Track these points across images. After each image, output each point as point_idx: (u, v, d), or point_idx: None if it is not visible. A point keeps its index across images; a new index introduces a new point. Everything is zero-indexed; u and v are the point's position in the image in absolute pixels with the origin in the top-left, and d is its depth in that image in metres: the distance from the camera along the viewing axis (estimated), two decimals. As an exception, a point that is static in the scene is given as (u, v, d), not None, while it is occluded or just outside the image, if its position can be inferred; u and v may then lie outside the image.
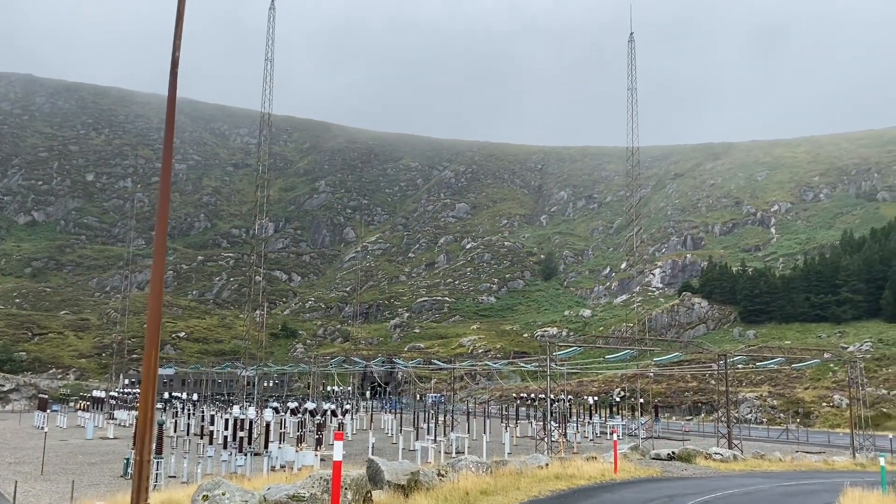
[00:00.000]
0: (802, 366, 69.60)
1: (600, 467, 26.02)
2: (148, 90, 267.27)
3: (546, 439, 40.27)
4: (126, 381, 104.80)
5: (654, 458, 31.52)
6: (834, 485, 23.20)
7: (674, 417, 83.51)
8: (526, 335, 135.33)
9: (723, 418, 50.66)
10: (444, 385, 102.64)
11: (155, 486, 27.00)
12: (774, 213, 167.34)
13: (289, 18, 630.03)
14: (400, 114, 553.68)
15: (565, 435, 47.39)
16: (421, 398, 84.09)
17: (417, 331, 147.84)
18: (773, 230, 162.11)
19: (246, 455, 34.31)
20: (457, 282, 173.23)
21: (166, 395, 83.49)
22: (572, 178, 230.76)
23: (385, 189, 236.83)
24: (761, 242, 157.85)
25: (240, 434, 37.03)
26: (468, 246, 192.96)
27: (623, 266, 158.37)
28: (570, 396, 74.04)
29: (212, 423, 51.49)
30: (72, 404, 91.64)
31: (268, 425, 39.17)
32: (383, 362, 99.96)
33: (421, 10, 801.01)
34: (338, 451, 11.49)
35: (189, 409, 67.41)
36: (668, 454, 31.95)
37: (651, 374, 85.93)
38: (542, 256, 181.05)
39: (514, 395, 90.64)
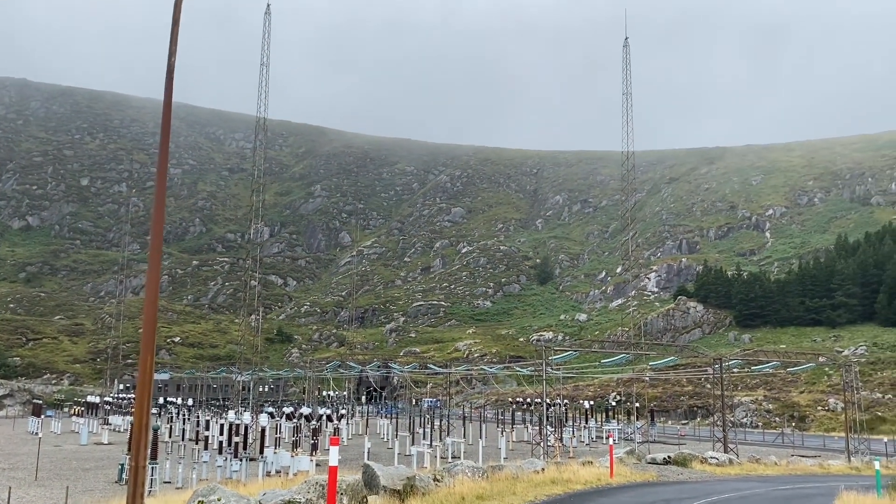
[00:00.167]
0: (798, 370, 69.66)
1: (596, 472, 26.02)
2: (143, 94, 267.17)
3: (542, 444, 40.24)
4: (121, 387, 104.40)
5: (650, 463, 31.53)
6: (829, 488, 23.25)
7: (669, 421, 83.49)
8: (522, 339, 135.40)
9: (718, 422, 50.72)
10: (440, 390, 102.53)
11: (150, 491, 26.89)
12: (769, 217, 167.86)
13: (284, 23, 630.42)
14: (396, 118, 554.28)
15: (561, 439, 47.37)
16: (417, 403, 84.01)
17: (413, 335, 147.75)
18: (767, 234, 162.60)
19: (241, 460, 34.20)
20: (452, 286, 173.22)
21: (161, 401, 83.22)
22: (568, 183, 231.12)
23: (381, 193, 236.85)
24: (756, 246, 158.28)
25: (235, 439, 36.92)
26: (464, 250, 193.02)
27: (619, 270, 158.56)
28: (565, 401, 74.01)
29: (207, 429, 51.35)
30: (66, 410, 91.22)
31: (263, 430, 39.10)
32: (379, 367, 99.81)
33: (416, 15, 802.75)
34: (334, 457, 11.48)
35: (184, 415, 67.16)
36: (664, 458, 31.96)
37: (647, 379, 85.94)
38: (537, 260, 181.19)
39: (509, 399, 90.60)
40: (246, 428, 37.97)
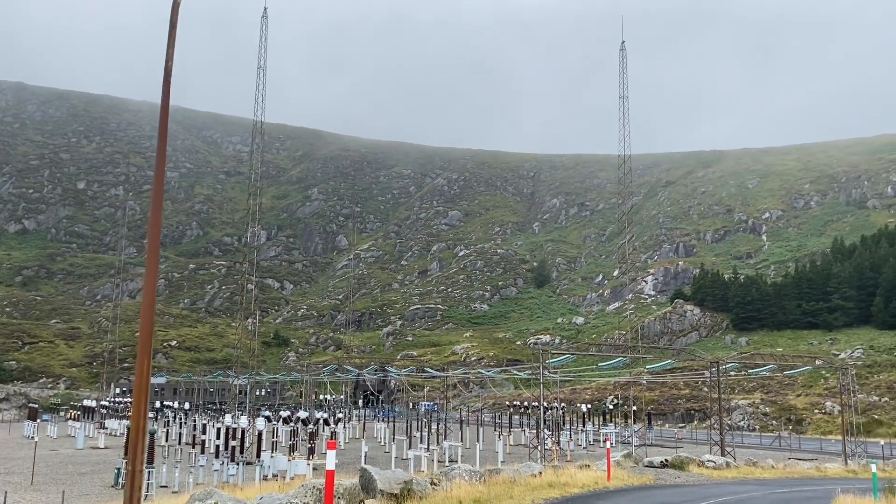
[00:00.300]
0: (794, 373, 69.77)
1: (593, 475, 26.01)
2: (140, 98, 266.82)
3: (539, 447, 40.22)
4: (117, 391, 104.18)
5: (647, 466, 31.53)
6: (826, 492, 23.26)
7: (667, 425, 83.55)
8: (519, 343, 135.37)
9: (715, 425, 50.76)
10: (437, 393, 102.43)
11: (146, 495, 26.81)
12: (765, 220, 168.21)
13: (281, 27, 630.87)
14: (393, 122, 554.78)
15: (558, 443, 47.36)
16: (414, 406, 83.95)
17: (410, 339, 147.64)
18: (764, 237, 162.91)
19: (238, 464, 34.13)
20: (449, 289, 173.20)
21: (158, 404, 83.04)
22: (565, 186, 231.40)
23: (378, 197, 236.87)
24: (753, 250, 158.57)
25: (232, 443, 36.83)
26: (461, 253, 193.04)
27: (615, 273, 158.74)
28: (563, 404, 74.01)
29: (203, 432, 51.22)
30: (62, 414, 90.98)
31: (260, 434, 39.00)
32: (376, 371, 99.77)
33: (413, 19, 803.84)
34: (330, 461, 11.46)
35: (181, 418, 67.03)
36: (661, 462, 31.96)
37: (644, 382, 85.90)
38: (534, 264, 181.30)
39: (507, 403, 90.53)
40: (243, 432, 37.92)
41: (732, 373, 69.01)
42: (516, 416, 77.36)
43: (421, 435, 53.22)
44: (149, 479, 28.93)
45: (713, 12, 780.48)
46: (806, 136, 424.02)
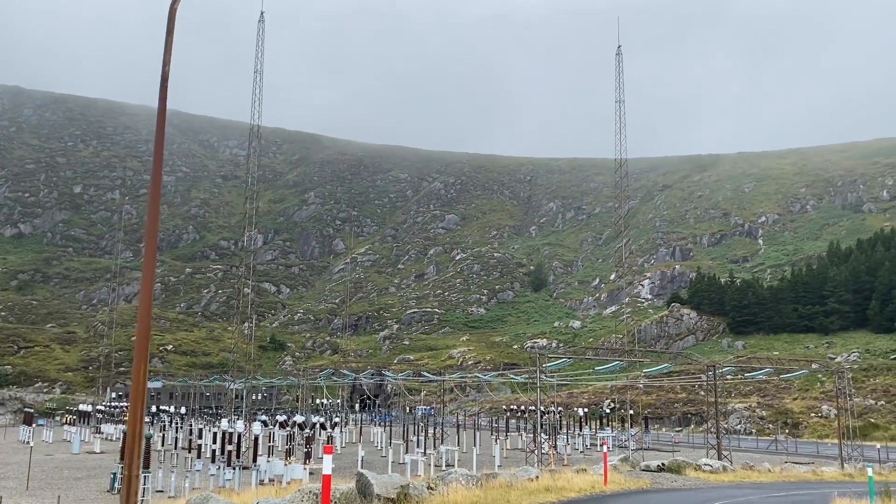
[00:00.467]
0: (791, 376, 69.89)
1: (590, 479, 26.00)
2: (136, 102, 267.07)
3: (536, 451, 40.20)
4: (113, 395, 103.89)
5: (643, 470, 31.53)
6: (822, 495, 23.30)
7: (663, 429, 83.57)
8: (516, 347, 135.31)
9: (712, 429, 50.78)
10: (434, 397, 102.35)
11: (142, 500, 26.74)
12: (762, 224, 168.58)
13: (278, 31, 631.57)
14: (390, 125, 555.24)
15: (555, 447, 47.32)
16: (410, 411, 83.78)
17: (407, 343, 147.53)
18: (760, 241, 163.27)
19: (234, 469, 34.05)
20: (446, 293, 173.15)
21: (154, 409, 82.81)
22: (561, 190, 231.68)
23: (374, 200, 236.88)
24: (749, 253, 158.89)
25: (228, 448, 36.75)
26: (458, 257, 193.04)
27: (612, 277, 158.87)
28: (559, 408, 73.98)
29: (200, 437, 51.09)
30: (58, 418, 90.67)
31: (256, 439, 38.93)
32: (373, 375, 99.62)
33: (411, 23, 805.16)
34: (327, 465, 11.45)
35: (177, 423, 66.86)
36: (658, 465, 31.96)
37: (640, 386, 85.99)
38: (531, 267, 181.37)
39: (503, 407, 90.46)
40: (239, 436, 37.83)
41: (729, 376, 69.08)
42: (513, 421, 77.31)
43: (418, 439, 53.15)
44: (145, 484, 28.83)
45: (711, 16, 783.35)
46: (802, 140, 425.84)
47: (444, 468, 36.53)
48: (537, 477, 24.71)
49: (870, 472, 22.87)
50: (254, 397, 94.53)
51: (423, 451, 44.66)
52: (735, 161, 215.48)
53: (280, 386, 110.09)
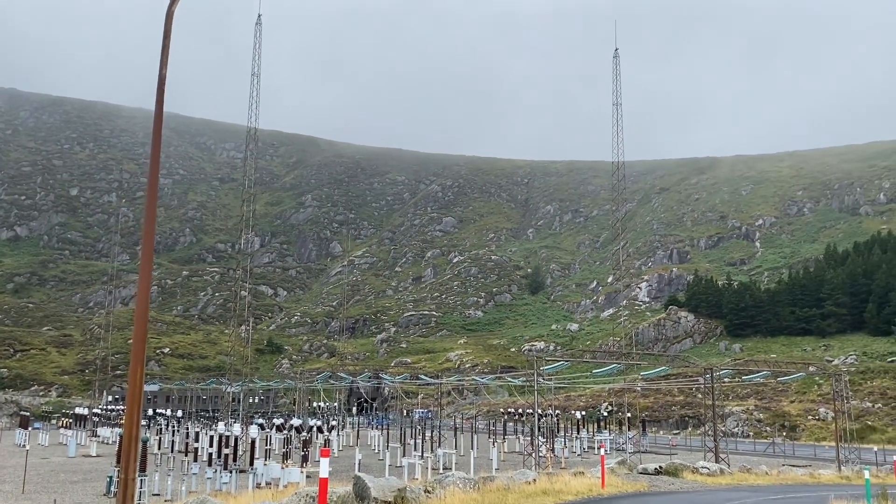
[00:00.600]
0: (788, 379, 69.86)
1: (588, 482, 25.98)
2: (133, 104, 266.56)
3: (534, 454, 40.17)
4: (109, 398, 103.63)
5: (641, 473, 31.50)
6: (819, 498, 23.30)
7: (661, 432, 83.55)
8: (513, 349, 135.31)
9: (709, 432, 50.78)
10: (431, 400, 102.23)
11: (138, 504, 26.64)
12: (759, 227, 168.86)
13: (276, 33, 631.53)
14: (387, 128, 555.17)
15: (553, 450, 47.29)
16: (408, 414, 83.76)
17: (404, 345, 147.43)
18: (757, 244, 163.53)
19: (231, 472, 33.97)
20: (444, 296, 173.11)
21: (150, 412, 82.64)
22: (559, 192, 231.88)
23: (372, 203, 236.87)
24: (746, 256, 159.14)
25: (225, 451, 36.67)
26: (455, 260, 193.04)
27: (610, 280, 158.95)
28: (557, 411, 73.95)
29: (196, 440, 50.99)
30: (54, 422, 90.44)
31: (253, 442, 38.88)
32: (370, 378, 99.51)
33: (408, 26, 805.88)
34: (324, 468, 11.42)
35: (173, 426, 66.70)
36: (656, 468, 31.93)
37: (638, 389, 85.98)
38: (528, 270, 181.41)
39: (501, 410, 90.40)
40: (236, 439, 37.74)
41: (726, 379, 69.11)
42: (511, 424, 77.26)
43: (415, 442, 53.10)
44: (141, 488, 28.75)
45: (709, 19, 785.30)
46: (799, 143, 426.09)
47: (441, 471, 36.48)
48: (534, 480, 24.68)
49: (867, 474, 22.88)
50: (251, 400, 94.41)
51: (420, 454, 44.61)
52: (732, 164, 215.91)
53: (277, 389, 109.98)
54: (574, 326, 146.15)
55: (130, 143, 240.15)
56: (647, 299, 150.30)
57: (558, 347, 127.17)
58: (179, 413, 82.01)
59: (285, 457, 42.97)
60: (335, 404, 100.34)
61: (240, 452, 39.37)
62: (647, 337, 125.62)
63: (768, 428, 75.71)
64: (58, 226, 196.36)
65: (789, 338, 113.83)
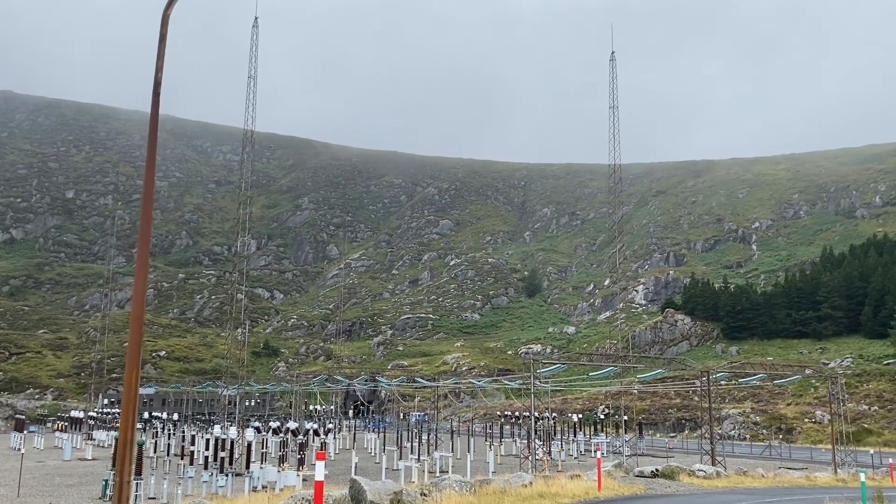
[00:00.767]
0: (784, 382, 69.99)
1: (584, 485, 25.97)
2: (130, 107, 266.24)
3: (530, 457, 40.15)
4: (105, 401, 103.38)
5: (637, 476, 31.51)
6: (815, 501, 23.32)
7: (658, 434, 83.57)
8: (510, 352, 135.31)
9: (706, 435, 50.81)
10: (428, 403, 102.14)
11: (134, 508, 26.56)
12: (755, 229, 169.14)
13: (273, 36, 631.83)
14: (384, 131, 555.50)
15: (549, 453, 47.26)
16: (404, 417, 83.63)
17: (401, 348, 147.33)
18: (754, 247, 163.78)
19: (227, 475, 33.86)
20: (440, 299, 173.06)
21: (146, 415, 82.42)
22: (555, 195, 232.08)
23: (368, 206, 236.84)
24: (743, 259, 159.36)
25: (221, 454, 36.56)
26: (452, 263, 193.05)
27: (606, 283, 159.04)
28: (554, 414, 73.93)
29: (192, 444, 50.85)
30: (49, 425, 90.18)
31: (249, 445, 38.73)
32: (366, 381, 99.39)
33: (405, 29, 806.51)
34: (320, 471, 11.39)
35: (169, 429, 66.54)
36: (652, 471, 31.94)
37: (635, 391, 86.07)
38: (525, 273, 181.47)
39: (498, 412, 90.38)
40: (232, 443, 37.65)
41: (723, 382, 69.22)
42: (507, 427, 77.20)
43: (412, 445, 53.04)
44: (137, 491, 28.67)
45: (705, 22, 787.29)
46: (796, 146, 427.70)
47: (437, 474, 36.44)
48: (531, 483, 24.67)
49: (862, 477, 22.89)
50: (247, 403, 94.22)
51: (416, 457, 44.55)
52: (729, 167, 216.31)
53: (273, 392, 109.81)
54: (571, 329, 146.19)
55: (127, 145, 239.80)
56: (643, 302, 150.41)
57: (555, 350, 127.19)
58: (175, 416, 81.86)
59: (281, 460, 42.89)
60: (332, 407, 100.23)
61: (236, 456, 39.29)
62: (643, 340, 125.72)
63: (765, 431, 75.77)
64: (53, 228, 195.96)
65: (786, 340, 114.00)
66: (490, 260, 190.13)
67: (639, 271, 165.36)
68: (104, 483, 33.67)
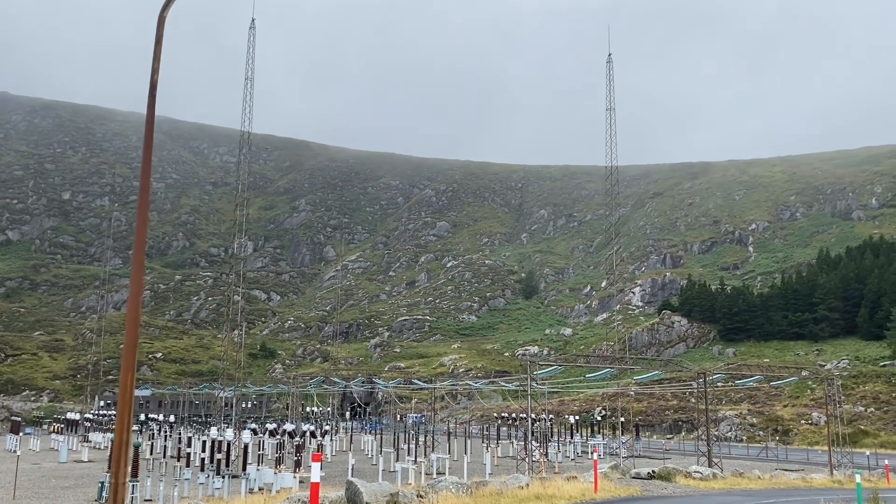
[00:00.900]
0: (781, 383, 70.11)
1: (581, 487, 25.99)
2: (126, 108, 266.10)
3: (527, 459, 40.14)
4: (101, 403, 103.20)
5: (634, 477, 31.53)
6: (811, 502, 23.36)
7: (655, 436, 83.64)
8: (507, 354, 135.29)
9: (703, 436, 50.86)
10: (425, 405, 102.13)
11: (130, 510, 26.47)
12: (752, 231, 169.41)
13: (270, 37, 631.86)
14: (381, 133, 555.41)
15: (546, 454, 47.27)
16: (401, 418, 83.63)
17: (398, 350, 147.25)
18: (751, 249, 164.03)
19: (223, 477, 33.81)
20: (437, 300, 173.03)
21: (143, 417, 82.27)
22: (553, 197, 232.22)
23: (366, 208, 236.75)
24: (739, 261, 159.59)
25: (217, 456, 36.52)
26: (449, 264, 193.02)
27: (603, 284, 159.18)
28: (551, 416, 73.93)
29: (189, 445, 50.74)
30: (45, 427, 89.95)
31: (246, 447, 38.68)
32: (363, 382, 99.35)
33: (403, 30, 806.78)
34: (315, 473, 11.39)
35: (166, 431, 66.41)
36: (649, 473, 31.97)
37: (632, 393, 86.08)
38: (522, 275, 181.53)
39: (495, 414, 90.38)
40: (228, 445, 37.61)
41: (720, 384, 69.29)
42: (504, 428, 77.20)
43: (408, 447, 53.00)
44: (133, 493, 28.60)
45: (703, 24, 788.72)
46: (792, 148, 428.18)
47: (434, 476, 36.42)
48: (527, 484, 24.68)
49: (858, 478, 22.95)
50: (243, 405, 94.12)
51: (413, 459, 44.53)
52: (725, 168, 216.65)
53: (270, 394, 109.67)
54: (568, 331, 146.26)
55: (123, 146, 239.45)
56: (640, 304, 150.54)
57: (552, 352, 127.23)
58: (172, 418, 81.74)
59: (278, 462, 42.85)
60: (328, 409, 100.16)
61: (232, 457, 39.25)
62: (640, 341, 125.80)
63: (761, 432, 75.86)
64: (50, 230, 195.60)
65: (782, 342, 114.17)
66: (487, 262, 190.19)
67: (636, 273, 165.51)
68: (100, 485, 33.57)
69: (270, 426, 55.74)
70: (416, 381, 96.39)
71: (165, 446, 58.29)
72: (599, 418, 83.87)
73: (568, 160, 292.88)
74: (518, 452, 51.79)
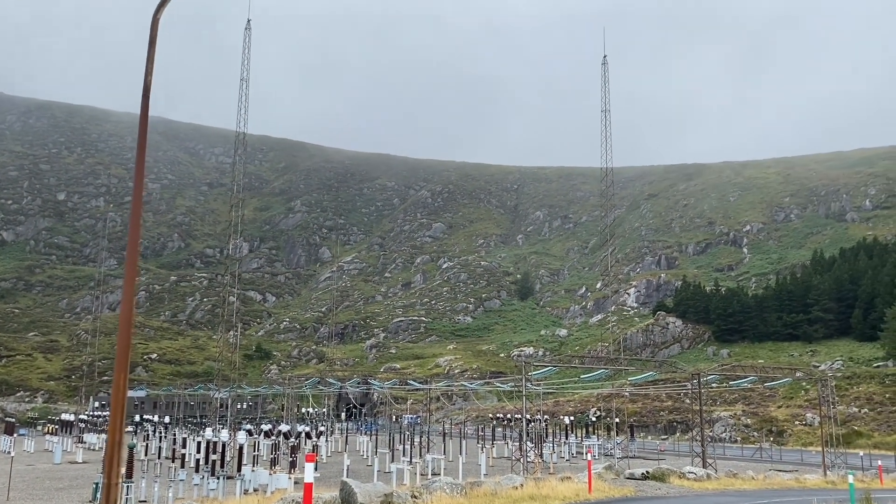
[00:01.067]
0: (775, 384, 70.31)
1: (575, 487, 26.06)
2: (121, 109, 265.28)
3: (522, 459, 40.20)
4: (96, 404, 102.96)
5: (628, 478, 31.62)
6: (805, 502, 23.47)
7: (649, 437, 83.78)
8: (502, 355, 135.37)
9: (697, 437, 50.98)
10: (421, 406, 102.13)
11: (124, 511, 26.45)
12: (746, 233, 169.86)
13: (265, 38, 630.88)
14: (377, 134, 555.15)
15: (541, 455, 47.33)
16: (397, 419, 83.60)
17: (393, 351, 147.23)
18: (745, 250, 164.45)
19: (218, 478, 33.80)
20: (433, 301, 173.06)
21: (137, 418, 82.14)
22: (548, 199, 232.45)
23: (361, 209, 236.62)
24: (734, 262, 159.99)
25: (212, 457, 36.51)
26: (444, 266, 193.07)
27: (598, 286, 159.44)
28: (546, 416, 74.00)
29: (184, 446, 50.74)
30: (40, 428, 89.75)
31: (241, 448, 38.71)
32: (359, 383, 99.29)
33: (399, 31, 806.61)
34: (309, 473, 11.44)
35: (161, 432, 66.32)
36: (643, 473, 32.05)
37: (626, 394, 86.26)
38: (518, 276, 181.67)
39: (490, 415, 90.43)
40: (223, 445, 37.59)
41: (714, 384, 69.46)
42: (499, 429, 77.27)
43: (404, 448, 53.05)
44: (127, 494, 28.57)
45: (698, 25, 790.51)
46: (786, 150, 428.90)
47: (429, 477, 36.46)
48: (522, 485, 24.74)
49: (851, 479, 23.05)
50: (239, 406, 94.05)
51: (408, 459, 44.56)
52: (720, 170, 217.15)
53: (265, 395, 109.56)
54: (563, 332, 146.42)
55: (118, 147, 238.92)
56: (635, 305, 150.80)
57: (547, 353, 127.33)
58: (167, 419, 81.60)
59: (273, 463, 42.84)
60: (324, 410, 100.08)
61: (227, 458, 39.21)
62: (635, 342, 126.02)
63: (756, 433, 76.05)
64: (45, 230, 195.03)
65: (776, 343, 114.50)
66: (482, 263, 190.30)
67: (630, 274, 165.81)
68: (95, 486, 33.52)
69: (266, 427, 55.70)
70: (411, 381, 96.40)
71: (160, 447, 58.21)
72: (594, 419, 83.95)
73: (563, 162, 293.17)
74: (513, 453, 51.86)
